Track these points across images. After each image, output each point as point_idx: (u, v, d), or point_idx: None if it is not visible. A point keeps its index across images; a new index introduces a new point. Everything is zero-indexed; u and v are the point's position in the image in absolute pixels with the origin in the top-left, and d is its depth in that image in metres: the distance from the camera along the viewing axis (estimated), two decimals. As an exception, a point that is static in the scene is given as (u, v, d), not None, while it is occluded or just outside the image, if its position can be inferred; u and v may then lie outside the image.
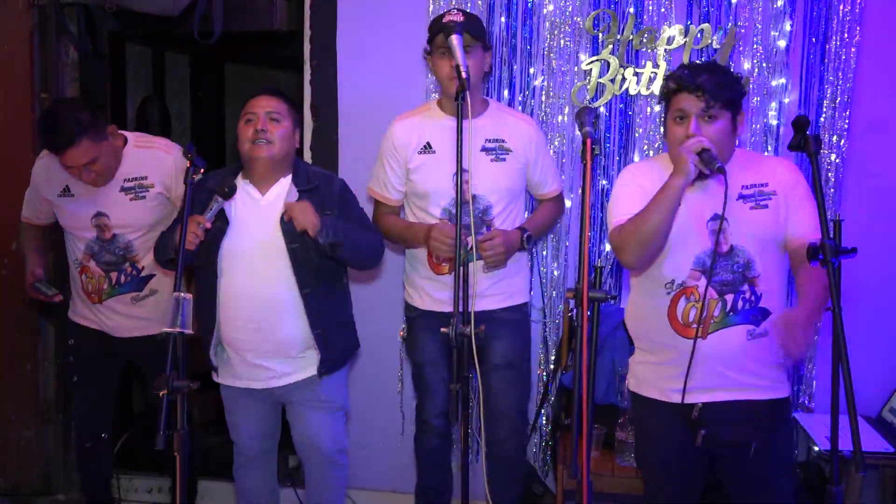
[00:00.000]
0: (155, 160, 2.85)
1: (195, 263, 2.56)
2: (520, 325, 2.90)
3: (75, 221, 2.85)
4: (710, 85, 2.09)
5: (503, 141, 2.76)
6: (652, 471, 2.41)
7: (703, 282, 2.17)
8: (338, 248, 2.46)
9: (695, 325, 2.18)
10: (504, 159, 2.76)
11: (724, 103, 2.11)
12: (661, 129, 2.31)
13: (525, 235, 2.76)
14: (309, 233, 2.43)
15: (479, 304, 2.70)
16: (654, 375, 2.30)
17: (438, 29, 2.62)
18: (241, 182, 2.57)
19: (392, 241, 2.93)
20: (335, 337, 2.61)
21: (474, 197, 2.72)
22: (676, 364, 2.20)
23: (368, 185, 2.92)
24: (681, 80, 2.14)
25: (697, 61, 2.21)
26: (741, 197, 2.19)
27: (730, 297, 2.18)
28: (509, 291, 2.84)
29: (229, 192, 2.46)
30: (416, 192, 2.79)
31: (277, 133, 2.51)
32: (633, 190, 2.24)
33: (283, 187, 2.56)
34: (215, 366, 2.66)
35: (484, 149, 2.74)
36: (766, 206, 2.19)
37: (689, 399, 2.20)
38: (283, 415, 2.79)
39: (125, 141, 2.88)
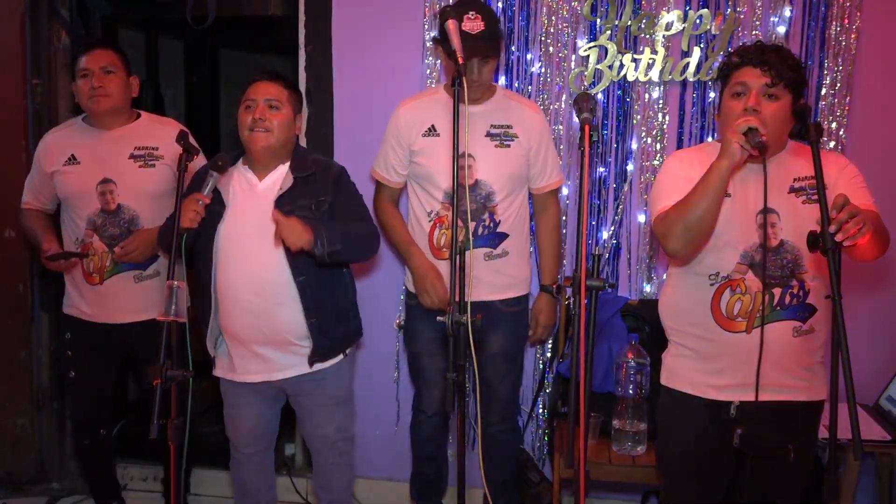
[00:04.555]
0: (168, 135, 2.75)
1: (195, 247, 2.50)
2: (519, 317, 2.90)
3: (80, 188, 2.81)
4: (776, 61, 2.02)
5: (509, 127, 2.74)
6: (675, 468, 2.30)
7: (749, 275, 2.07)
8: (336, 256, 2.41)
9: (739, 319, 2.09)
10: (509, 145, 2.74)
11: (788, 83, 2.03)
12: (716, 112, 2.21)
13: (553, 289, 2.85)
14: (305, 249, 2.35)
15: (478, 293, 2.67)
16: (689, 369, 2.21)
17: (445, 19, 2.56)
18: (241, 168, 2.55)
19: (387, 240, 2.91)
20: (331, 326, 2.55)
21: (477, 182, 2.71)
22: (716, 358, 2.14)
23: (372, 166, 2.91)
24: (745, 54, 2.07)
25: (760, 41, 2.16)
26: (793, 190, 2.09)
27: (777, 291, 2.09)
28: (510, 282, 2.84)
29: (223, 166, 2.41)
30: (420, 174, 2.77)
31: (276, 121, 2.48)
32: (676, 176, 2.14)
33: (281, 173, 2.52)
34: (214, 357, 2.62)
35: (489, 134, 2.72)
36: (817, 202, 2.08)
37: (726, 397, 2.14)
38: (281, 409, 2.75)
39: (138, 116, 2.95)
